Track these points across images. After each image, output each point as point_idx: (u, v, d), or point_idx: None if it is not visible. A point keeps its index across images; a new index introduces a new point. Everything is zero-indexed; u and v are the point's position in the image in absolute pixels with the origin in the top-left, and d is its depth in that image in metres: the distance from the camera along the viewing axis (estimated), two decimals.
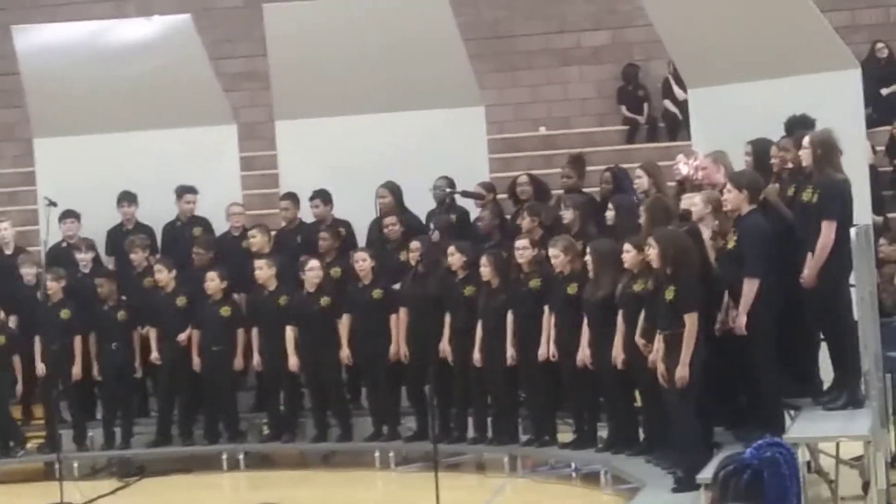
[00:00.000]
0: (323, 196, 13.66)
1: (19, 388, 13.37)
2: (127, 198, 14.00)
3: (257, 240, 13.41)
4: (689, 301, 9.50)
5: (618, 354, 10.70)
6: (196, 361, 13.15)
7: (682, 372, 9.48)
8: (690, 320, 9.45)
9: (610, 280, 10.73)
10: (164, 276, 13.23)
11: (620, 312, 10.64)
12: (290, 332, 12.92)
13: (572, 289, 11.31)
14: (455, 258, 12.25)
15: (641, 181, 11.59)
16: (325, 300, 12.86)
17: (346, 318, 12.88)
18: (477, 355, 12.07)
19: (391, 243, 13.14)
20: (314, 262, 12.92)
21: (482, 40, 19.03)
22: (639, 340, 10.19)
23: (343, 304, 12.91)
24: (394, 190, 13.49)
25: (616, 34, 19.80)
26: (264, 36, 14.50)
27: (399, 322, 12.65)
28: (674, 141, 17.66)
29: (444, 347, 12.29)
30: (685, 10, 12.70)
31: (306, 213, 13.87)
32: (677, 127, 18.17)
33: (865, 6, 19.12)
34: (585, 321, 11.15)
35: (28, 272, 13.42)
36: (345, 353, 12.85)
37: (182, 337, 13.14)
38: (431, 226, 12.52)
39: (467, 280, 12.27)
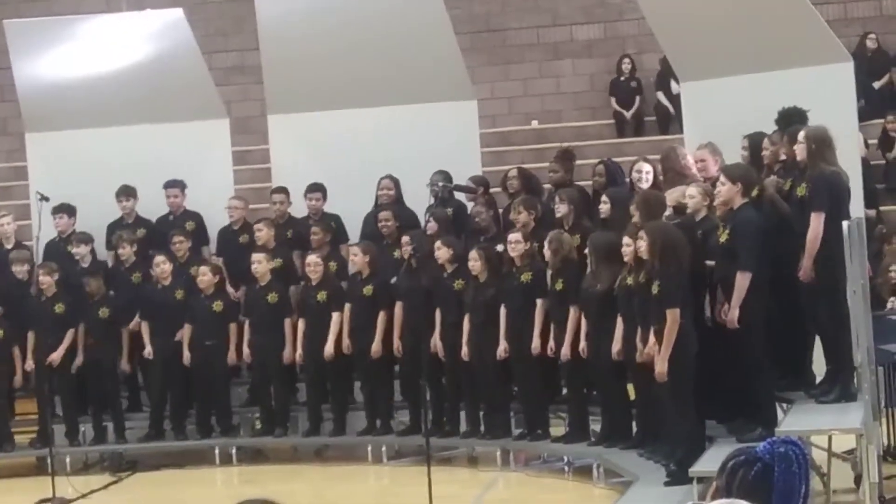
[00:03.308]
0: (323, 190, 13.65)
1: (18, 379, 13.33)
2: (126, 192, 13.98)
3: (264, 233, 13.38)
4: (671, 296, 9.49)
5: (615, 346, 10.69)
6: (187, 356, 13.15)
7: (660, 367, 9.49)
8: (672, 315, 9.45)
9: (610, 273, 10.70)
10: (168, 268, 13.21)
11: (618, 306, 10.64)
12: (299, 324, 12.96)
13: (559, 285, 11.32)
14: (442, 252, 12.25)
15: (649, 174, 11.50)
16: (321, 295, 12.87)
17: (344, 310, 12.87)
18: (464, 349, 12.07)
19: (386, 239, 13.12)
20: (313, 258, 12.91)
21: (474, 34, 19.04)
22: (639, 345, 10.12)
23: (340, 298, 12.92)
24: (397, 182, 13.49)
25: (608, 27, 19.79)
26: (256, 30, 14.49)
27: (395, 316, 12.66)
28: (665, 134, 17.65)
29: (436, 342, 12.30)
30: (677, 3, 12.70)
31: (294, 208, 13.87)
32: (668, 120, 18.17)
33: None
34: (582, 314, 11.15)
35: (20, 270, 13.41)
36: (345, 343, 12.84)
37: (180, 335, 13.17)
38: (428, 217, 12.51)
39: (456, 274, 12.27)
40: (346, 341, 12.85)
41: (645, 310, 9.84)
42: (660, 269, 9.57)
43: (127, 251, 13.52)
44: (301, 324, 13.01)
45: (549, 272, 11.50)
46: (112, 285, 13.62)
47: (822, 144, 9.71)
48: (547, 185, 13.15)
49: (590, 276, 11.03)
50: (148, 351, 13.30)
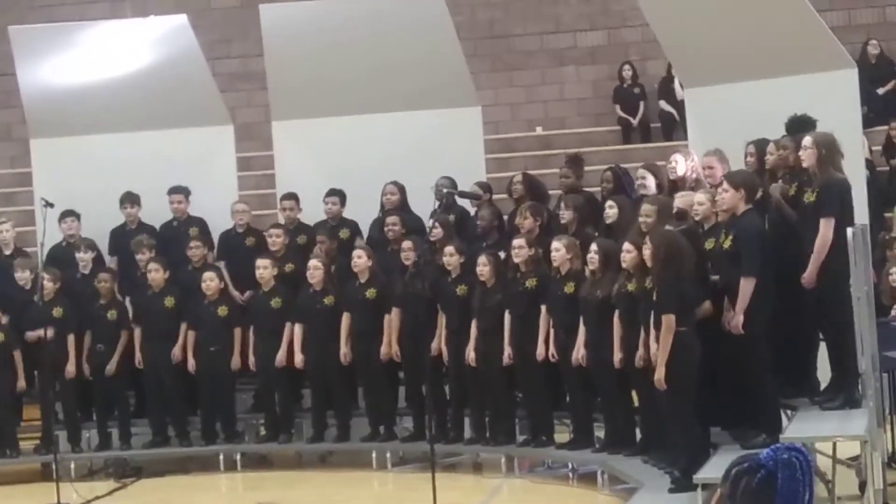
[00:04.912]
0: (340, 195, 13.65)
1: (22, 384, 13.31)
2: (130, 199, 13.98)
3: (281, 240, 13.40)
4: (666, 302, 9.49)
5: (615, 354, 10.68)
6: (191, 363, 13.14)
7: (658, 374, 9.48)
8: (667, 321, 9.44)
9: (611, 280, 10.71)
10: (160, 275, 13.20)
11: (616, 312, 10.64)
12: (296, 329, 12.93)
13: (570, 288, 11.29)
14: (453, 259, 12.23)
15: (648, 181, 11.54)
16: (329, 299, 12.86)
17: (346, 317, 12.88)
18: (471, 355, 12.06)
19: (392, 244, 13.11)
20: (313, 262, 12.92)
21: (478, 40, 19.05)
22: (641, 350, 10.14)
23: (343, 303, 12.92)
24: (402, 188, 13.49)
25: (612, 34, 19.79)
26: (261, 36, 14.51)
27: (391, 322, 12.66)
28: (669, 141, 17.65)
29: (439, 347, 12.29)
30: (681, 9, 12.70)
31: (302, 214, 13.87)
32: (673, 127, 18.17)
33: (862, 6, 19.13)
34: (582, 320, 11.14)
35: (22, 276, 13.41)
36: (343, 350, 12.84)
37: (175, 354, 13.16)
38: (432, 222, 12.50)
39: (460, 279, 12.26)
40: (343, 349, 12.83)
41: (649, 316, 9.84)
42: (659, 274, 9.58)
43: (146, 256, 13.51)
44: (298, 329, 12.97)
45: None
46: (124, 290, 13.64)
47: (831, 150, 9.73)
48: (556, 191, 13.12)
49: (589, 282, 11.02)
50: (138, 359, 13.30)
